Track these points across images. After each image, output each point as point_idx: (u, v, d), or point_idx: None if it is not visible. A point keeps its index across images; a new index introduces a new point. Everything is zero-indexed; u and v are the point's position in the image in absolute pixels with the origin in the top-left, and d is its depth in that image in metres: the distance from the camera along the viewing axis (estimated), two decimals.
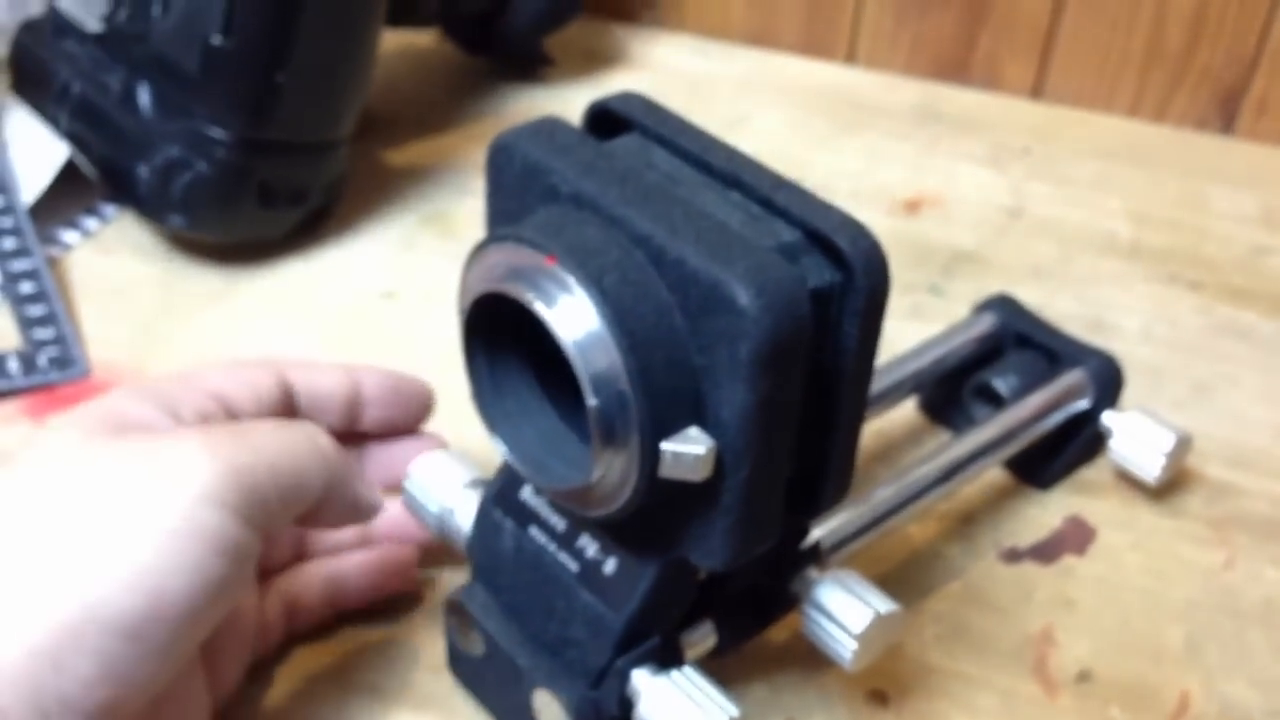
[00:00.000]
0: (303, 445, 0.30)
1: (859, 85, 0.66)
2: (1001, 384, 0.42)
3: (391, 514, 0.36)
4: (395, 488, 0.36)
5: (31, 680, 0.25)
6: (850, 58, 0.68)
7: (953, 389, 0.44)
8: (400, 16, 0.56)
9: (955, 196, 0.57)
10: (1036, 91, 0.65)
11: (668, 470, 0.25)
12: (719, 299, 0.24)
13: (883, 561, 0.39)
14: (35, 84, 0.53)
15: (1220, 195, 0.59)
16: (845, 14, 0.67)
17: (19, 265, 0.48)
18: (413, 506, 0.35)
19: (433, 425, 0.43)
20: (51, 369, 0.44)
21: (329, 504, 0.31)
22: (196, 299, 0.49)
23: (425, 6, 0.58)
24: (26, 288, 0.47)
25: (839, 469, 0.29)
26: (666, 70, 0.67)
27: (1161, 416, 0.41)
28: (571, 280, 0.25)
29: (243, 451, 0.28)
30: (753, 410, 0.25)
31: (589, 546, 0.30)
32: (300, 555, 0.36)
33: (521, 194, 0.28)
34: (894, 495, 0.37)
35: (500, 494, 0.32)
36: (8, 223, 0.49)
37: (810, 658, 0.35)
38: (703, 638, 0.32)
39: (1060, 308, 0.50)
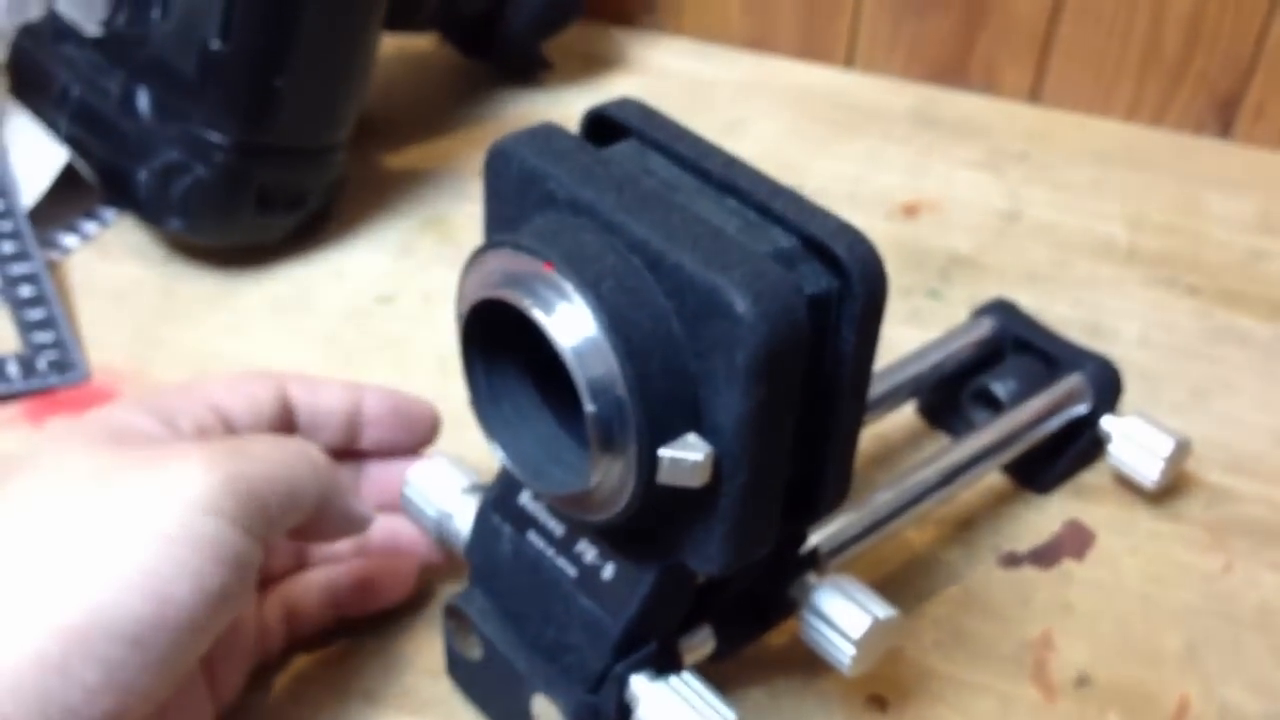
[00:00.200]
0: (297, 458, 0.30)
1: (856, 89, 0.66)
2: (1000, 388, 0.42)
3: (389, 526, 0.36)
4: (392, 506, 0.36)
5: (37, 688, 0.25)
6: (848, 62, 0.68)
7: (951, 393, 0.44)
8: (399, 20, 0.56)
9: (953, 200, 0.58)
10: (1034, 96, 0.66)
11: (665, 476, 0.25)
12: (716, 305, 0.24)
13: (881, 566, 0.39)
14: (35, 88, 0.53)
15: (1217, 199, 0.59)
16: (843, 18, 0.67)
17: (18, 269, 0.48)
18: (412, 511, 0.35)
19: (440, 433, 0.44)
20: (51, 372, 0.44)
21: (323, 516, 0.31)
22: (195, 303, 0.49)
23: (424, 10, 0.58)
24: (26, 291, 0.47)
25: (837, 474, 0.29)
26: (665, 74, 0.67)
27: (1160, 421, 0.41)
28: (569, 287, 0.25)
29: (240, 462, 0.28)
30: (750, 416, 0.25)
31: (587, 552, 0.30)
32: (300, 564, 0.36)
33: (519, 200, 0.28)
34: (892, 500, 0.37)
35: (499, 499, 0.32)
36: (7, 226, 0.49)
37: (808, 663, 0.35)
38: (701, 643, 0.32)
39: (1058, 312, 0.50)
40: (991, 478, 0.42)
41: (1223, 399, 0.47)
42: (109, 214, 0.53)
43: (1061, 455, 0.42)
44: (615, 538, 0.29)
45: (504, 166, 0.28)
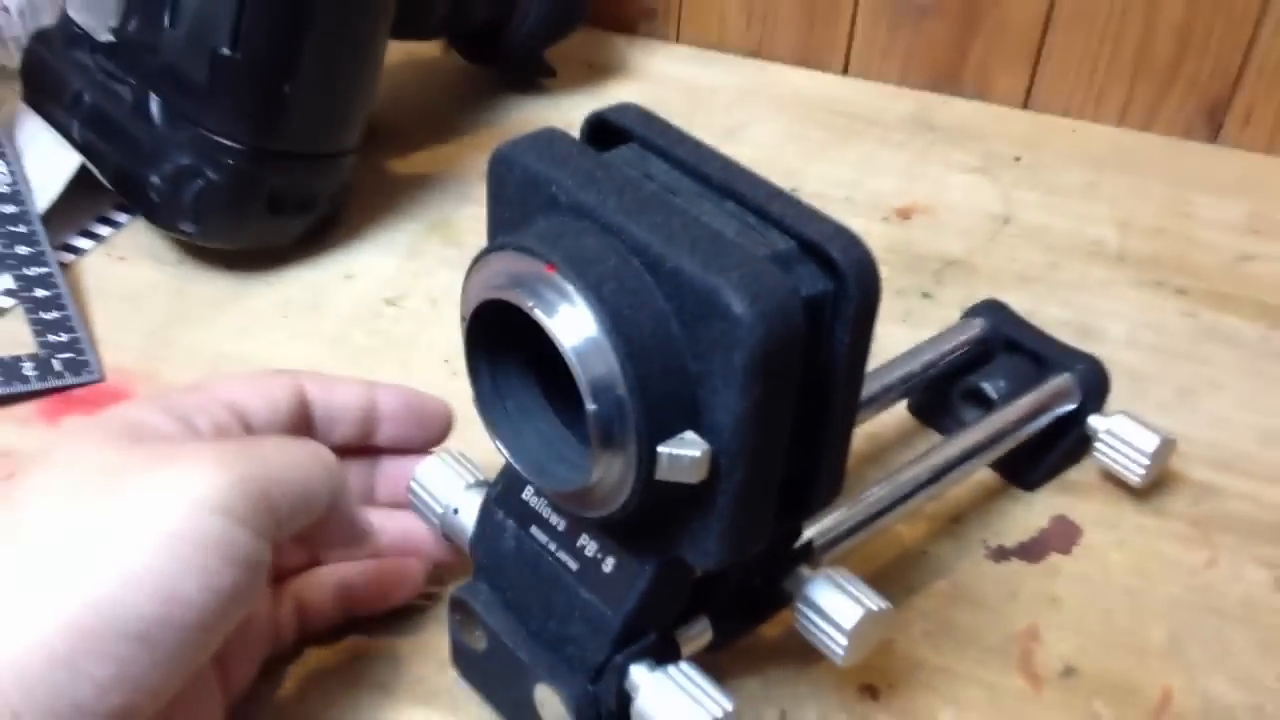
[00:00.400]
0: (311, 460, 0.30)
1: (853, 95, 0.67)
2: (990, 387, 0.43)
3: (401, 524, 0.36)
4: (406, 503, 0.36)
5: (45, 683, 0.25)
6: (845, 69, 0.69)
7: (942, 392, 0.45)
8: (406, 28, 0.57)
9: (947, 204, 0.58)
10: (1027, 101, 0.67)
11: (664, 473, 0.26)
12: (714, 306, 0.25)
13: (873, 560, 0.40)
14: (48, 93, 0.54)
15: (1206, 203, 0.60)
16: (841, 26, 0.68)
17: (34, 271, 0.49)
18: (418, 506, 0.35)
19: None
20: (66, 372, 0.45)
21: (331, 521, 0.31)
22: (206, 304, 0.50)
23: (431, 18, 0.59)
24: (41, 293, 0.48)
25: (831, 471, 0.30)
26: (665, 80, 0.68)
27: (1146, 419, 0.42)
28: (571, 288, 0.25)
29: (251, 463, 0.28)
30: (747, 414, 0.25)
31: (588, 546, 0.31)
32: (313, 560, 0.36)
33: (522, 203, 0.28)
34: (884, 496, 0.37)
35: (502, 495, 0.33)
36: (22, 230, 0.50)
37: (802, 653, 0.36)
38: (699, 634, 0.32)
39: (1048, 313, 0.51)
40: (981, 474, 0.43)
41: (1209, 398, 0.48)
42: (122, 217, 0.54)
43: (1049, 453, 0.43)
44: (615, 532, 0.30)
45: (506, 171, 0.29)
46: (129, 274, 0.51)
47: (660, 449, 0.26)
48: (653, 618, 0.30)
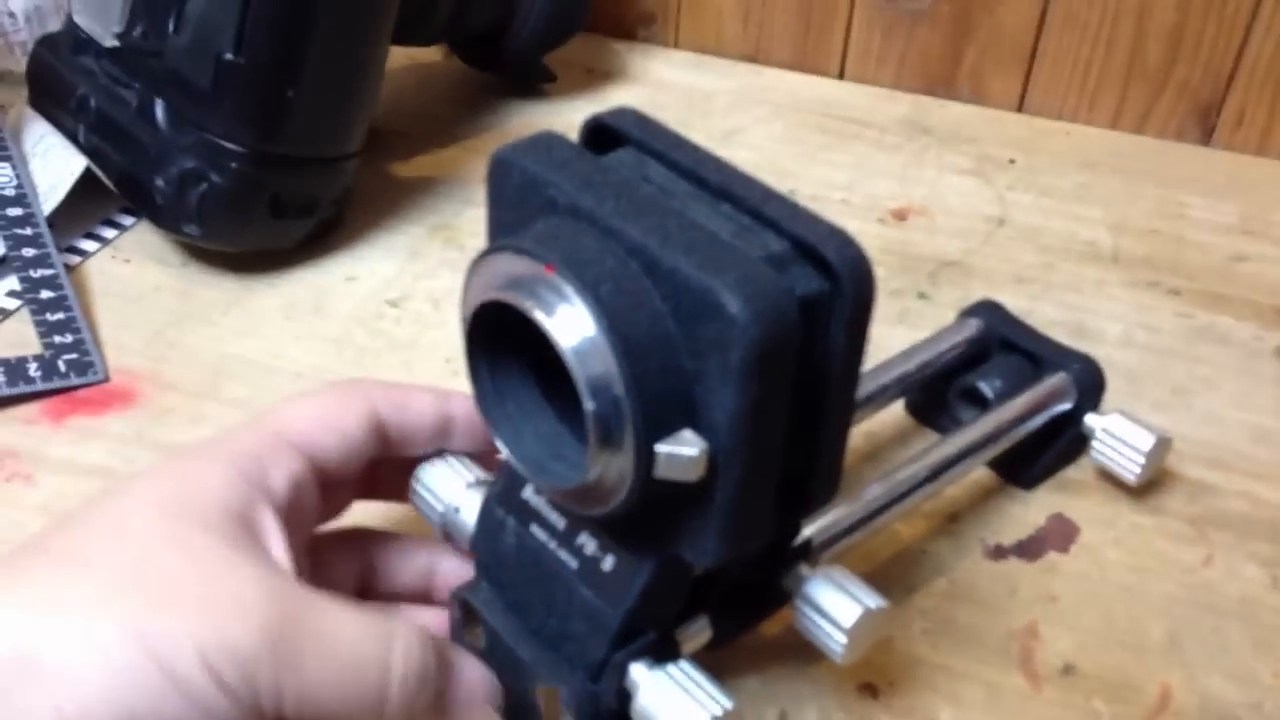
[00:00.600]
0: (366, 675, 0.28)
1: (849, 99, 0.68)
2: (986, 387, 0.43)
3: (459, 569, 0.35)
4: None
5: None
6: (841, 73, 0.69)
7: (939, 392, 0.45)
8: (408, 34, 0.57)
9: (942, 206, 0.59)
10: (1020, 105, 0.67)
11: (662, 471, 0.26)
12: (710, 307, 0.25)
13: (872, 559, 0.41)
14: (54, 97, 0.55)
15: (1199, 204, 0.60)
16: (837, 31, 0.68)
17: (39, 273, 0.49)
18: (419, 505, 0.35)
19: None
20: (70, 373, 0.46)
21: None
22: (210, 306, 0.50)
23: (432, 24, 0.59)
24: (46, 294, 0.49)
25: (828, 469, 0.30)
26: (663, 85, 0.68)
27: (1141, 418, 0.43)
28: (569, 289, 0.26)
29: (291, 663, 0.26)
30: (743, 413, 0.26)
31: (588, 544, 0.31)
32: (363, 592, 0.35)
33: (520, 206, 0.29)
34: (882, 494, 0.37)
35: (503, 493, 0.33)
36: (28, 232, 0.51)
37: (802, 651, 0.36)
38: (698, 632, 0.33)
39: (1044, 314, 0.52)
40: (978, 473, 0.44)
41: (1203, 397, 0.48)
42: (127, 220, 0.54)
43: (1046, 452, 0.43)
44: (614, 531, 0.30)
45: (505, 174, 0.29)
46: (133, 276, 0.52)
47: (658, 447, 0.26)
48: (652, 616, 0.30)
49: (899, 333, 0.50)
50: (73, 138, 0.53)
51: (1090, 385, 0.43)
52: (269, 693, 0.26)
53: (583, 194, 0.27)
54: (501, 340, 0.29)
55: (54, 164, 0.53)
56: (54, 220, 0.52)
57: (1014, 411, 0.41)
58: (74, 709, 0.24)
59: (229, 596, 0.27)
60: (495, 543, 0.33)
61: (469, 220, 0.56)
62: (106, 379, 0.46)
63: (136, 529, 0.28)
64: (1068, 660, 0.38)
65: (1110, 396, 0.44)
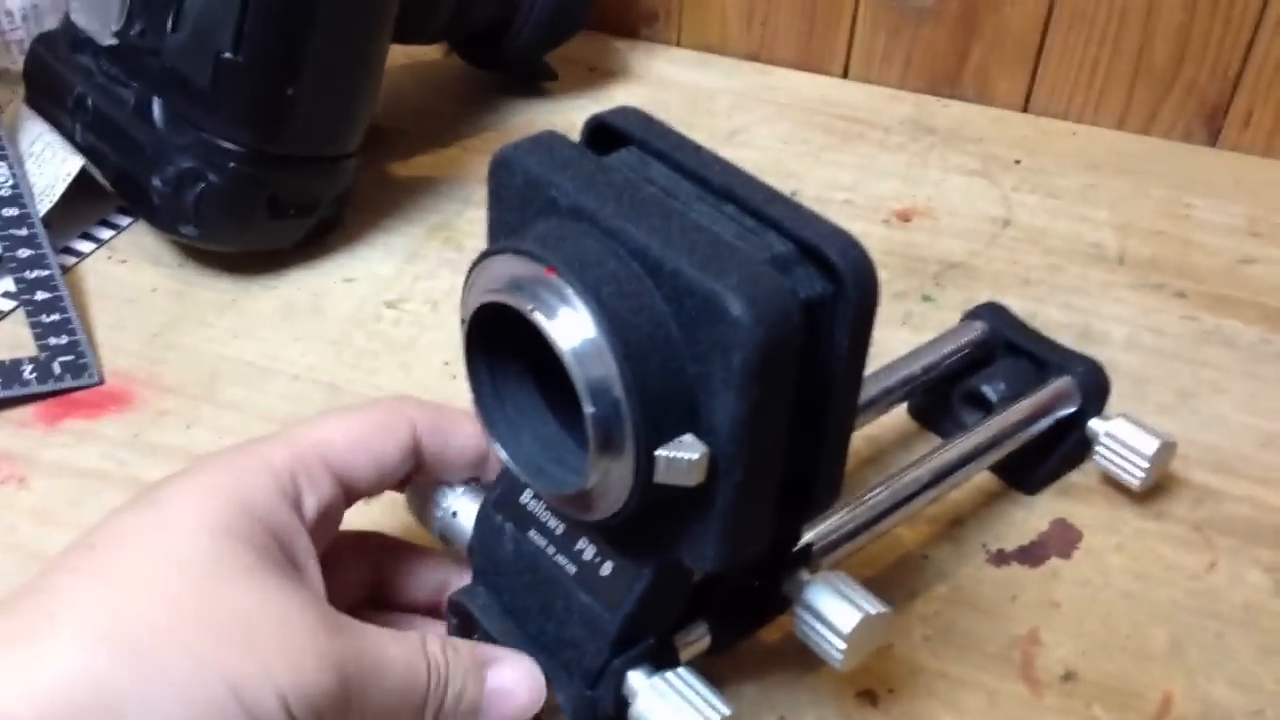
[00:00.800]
0: (415, 696, 0.28)
1: (853, 99, 0.67)
2: (990, 390, 0.43)
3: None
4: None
5: None
6: (845, 72, 0.69)
7: (942, 395, 0.45)
8: (408, 33, 0.57)
9: (947, 207, 0.59)
10: (1026, 105, 0.67)
11: (662, 476, 0.26)
12: (713, 309, 0.25)
13: (873, 564, 0.40)
14: (50, 96, 0.54)
15: (1205, 206, 0.60)
16: (841, 30, 0.68)
17: (34, 274, 0.49)
18: (416, 510, 0.35)
19: None
20: (65, 375, 0.46)
21: None
22: (207, 307, 0.50)
23: (432, 23, 0.59)
24: (42, 296, 0.48)
25: (830, 473, 0.30)
26: (666, 84, 0.68)
27: (1146, 422, 0.42)
28: (570, 291, 0.26)
29: (357, 688, 0.27)
30: (745, 417, 0.25)
31: (586, 549, 0.31)
32: (374, 600, 0.35)
33: (522, 207, 0.29)
34: (884, 499, 0.37)
35: (501, 498, 0.33)
36: (24, 232, 0.51)
37: (801, 658, 0.36)
38: (697, 638, 0.32)
39: (1049, 316, 0.51)
40: (981, 478, 0.43)
41: (1209, 401, 0.48)
42: (123, 220, 0.54)
43: (1049, 456, 0.43)
44: (613, 536, 0.30)
45: (507, 174, 0.29)
46: (130, 277, 0.51)
47: (659, 452, 0.26)
48: (651, 621, 0.30)
49: (903, 335, 0.49)
50: (70, 137, 0.53)
51: (1094, 389, 0.43)
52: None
53: (584, 195, 0.27)
54: (501, 343, 0.28)
55: (50, 164, 0.53)
56: (50, 221, 0.52)
57: (1018, 415, 0.41)
58: None
59: (302, 635, 0.26)
60: (493, 547, 0.33)
61: (469, 220, 0.56)
62: (102, 381, 0.46)
63: (190, 554, 0.27)
64: (1069, 667, 0.38)
65: (1115, 399, 0.44)
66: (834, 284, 0.27)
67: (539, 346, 0.26)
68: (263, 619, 0.26)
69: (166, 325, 0.49)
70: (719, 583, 0.32)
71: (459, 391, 0.46)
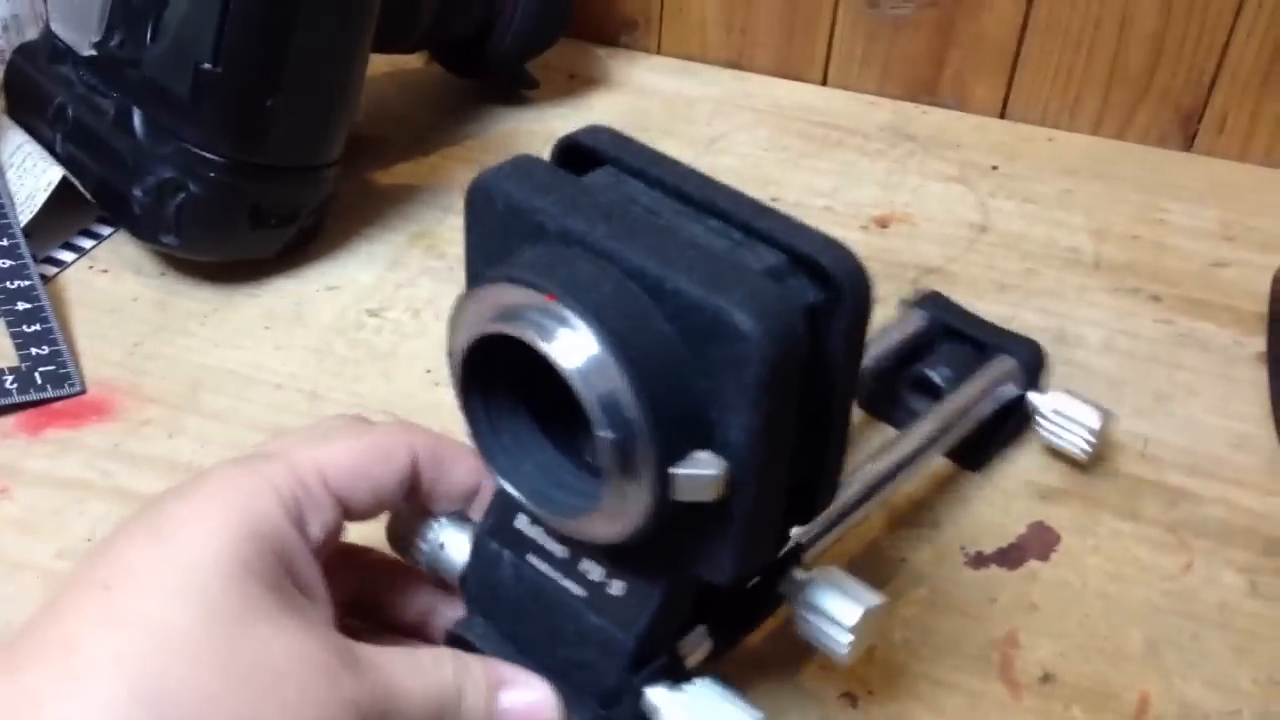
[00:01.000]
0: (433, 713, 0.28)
1: (832, 105, 0.68)
2: (936, 375, 0.44)
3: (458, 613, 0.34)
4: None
5: None
6: (824, 79, 0.70)
7: (890, 384, 0.45)
8: (388, 41, 0.57)
9: (925, 213, 0.59)
10: (1003, 111, 0.67)
11: (681, 494, 0.26)
12: (721, 326, 0.25)
13: (853, 568, 0.40)
14: (30, 106, 0.54)
15: (1180, 210, 0.60)
16: (819, 37, 0.68)
17: (15, 284, 0.49)
18: (397, 538, 0.34)
19: None
20: (47, 385, 0.45)
21: None
22: (189, 316, 0.50)
23: (413, 31, 0.59)
24: (22, 306, 0.48)
25: (831, 476, 0.30)
26: (646, 91, 0.68)
27: (1084, 395, 0.43)
28: (572, 316, 0.25)
29: None
30: (759, 429, 0.25)
31: (592, 570, 0.30)
32: (356, 615, 0.34)
33: (504, 234, 0.28)
34: (855, 492, 0.38)
35: (495, 526, 0.32)
36: (4, 243, 0.50)
37: (783, 661, 0.36)
38: (698, 644, 0.32)
39: (1025, 321, 0.52)
40: (957, 480, 0.44)
41: (1184, 403, 0.49)
42: (104, 230, 0.54)
43: (994, 434, 0.44)
44: (620, 555, 0.29)
45: (486, 201, 0.28)
46: (111, 286, 0.51)
47: (677, 470, 0.25)
48: (665, 636, 0.30)
49: None
50: (50, 147, 0.53)
51: (1034, 366, 0.44)
52: None
53: (572, 218, 0.27)
54: (494, 372, 0.28)
55: (31, 174, 0.53)
56: (30, 231, 0.52)
57: (966, 397, 0.42)
58: None
59: (323, 678, 0.26)
60: (490, 577, 0.32)
61: (450, 228, 0.56)
62: (83, 391, 0.46)
63: (208, 596, 0.26)
64: (1047, 668, 0.38)
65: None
66: (828, 292, 0.27)
67: (532, 374, 0.26)
68: (285, 663, 0.26)
69: (148, 335, 0.49)
70: (718, 588, 0.32)
71: (441, 399, 0.46)
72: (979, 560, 0.41)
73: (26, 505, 0.41)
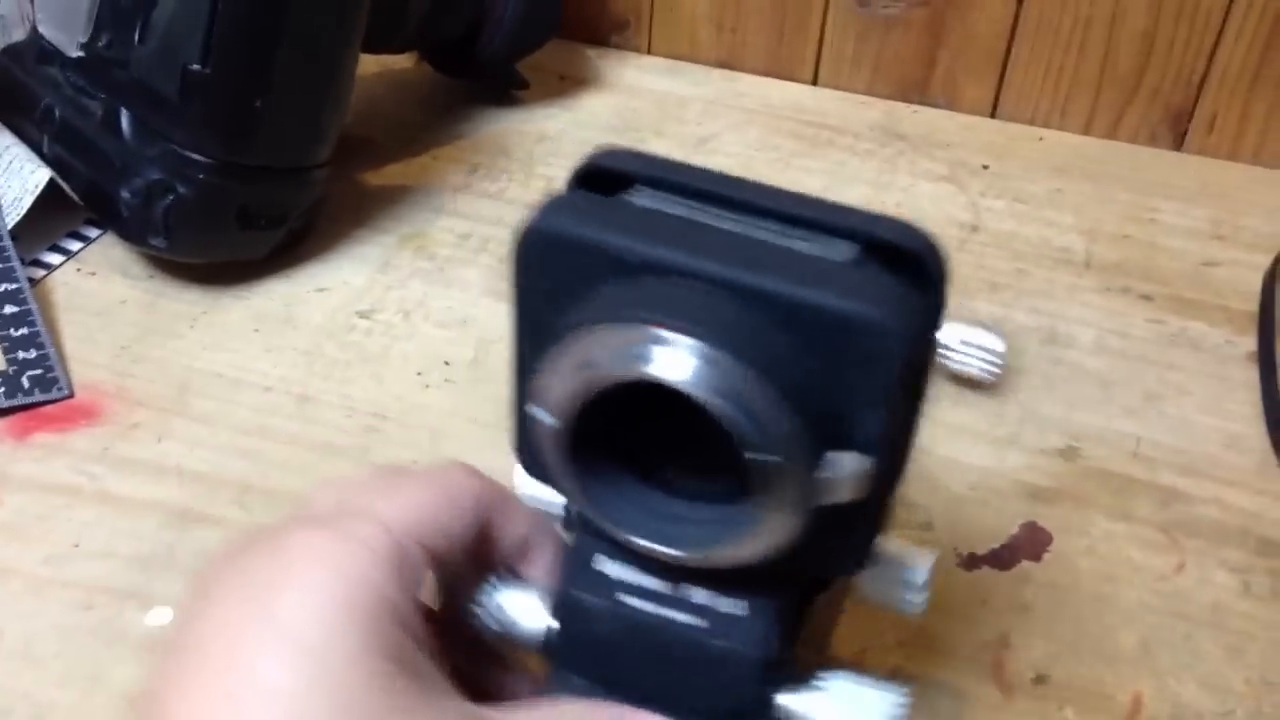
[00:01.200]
0: None
1: (823, 105, 0.68)
2: None
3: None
4: None
5: None
6: (815, 79, 0.70)
7: None
8: (378, 42, 0.57)
9: (916, 212, 0.59)
10: (994, 110, 0.67)
11: (828, 499, 0.25)
12: (853, 328, 0.24)
13: None
14: (18, 108, 0.54)
15: (1170, 209, 0.60)
16: (810, 37, 0.68)
17: (2, 287, 0.49)
18: (486, 626, 0.32)
19: (410, 443, 0.45)
20: (34, 389, 0.45)
21: None
22: (178, 319, 0.50)
23: (403, 32, 0.59)
24: (9, 309, 0.48)
25: (907, 450, 0.29)
26: (637, 92, 0.68)
27: (980, 320, 0.46)
28: (701, 345, 0.24)
29: None
30: (894, 423, 0.25)
31: (699, 594, 0.29)
32: None
33: (575, 278, 0.26)
34: None
35: (576, 578, 0.30)
36: None
37: None
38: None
39: (1016, 320, 0.52)
40: (950, 481, 0.44)
41: (1175, 403, 0.49)
42: (92, 232, 0.54)
43: None
44: (731, 573, 0.28)
45: (547, 247, 0.26)
46: (99, 289, 0.51)
47: (823, 475, 0.25)
48: (789, 642, 0.29)
49: None
50: (37, 149, 0.53)
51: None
52: None
53: (649, 245, 0.26)
54: (589, 423, 0.27)
55: (18, 176, 0.52)
56: (17, 233, 0.51)
57: None
58: None
59: None
60: (583, 631, 0.30)
61: (440, 229, 0.56)
62: (71, 395, 0.46)
63: (330, 684, 0.23)
64: (1039, 670, 0.38)
65: (1083, 402, 0.44)
66: (912, 275, 0.26)
67: (624, 416, 0.25)
68: None
69: (136, 338, 0.49)
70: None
71: (430, 402, 0.46)
72: (971, 561, 0.41)
73: (13, 510, 0.41)
